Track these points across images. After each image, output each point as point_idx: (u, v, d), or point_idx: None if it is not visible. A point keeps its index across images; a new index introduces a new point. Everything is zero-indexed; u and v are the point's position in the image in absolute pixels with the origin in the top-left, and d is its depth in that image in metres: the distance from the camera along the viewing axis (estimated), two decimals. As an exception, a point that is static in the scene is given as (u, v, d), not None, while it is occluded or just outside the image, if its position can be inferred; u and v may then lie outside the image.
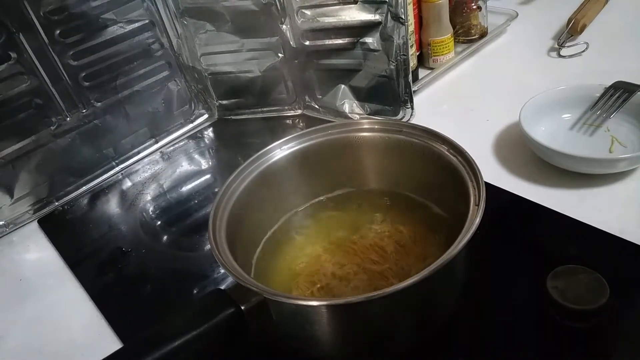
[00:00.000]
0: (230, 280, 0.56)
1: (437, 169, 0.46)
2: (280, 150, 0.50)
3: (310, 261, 0.48)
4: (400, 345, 0.42)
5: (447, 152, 0.45)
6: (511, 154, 0.63)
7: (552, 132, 0.62)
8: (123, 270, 0.60)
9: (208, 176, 0.77)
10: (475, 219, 0.38)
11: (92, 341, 0.52)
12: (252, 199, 0.48)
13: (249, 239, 0.48)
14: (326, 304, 0.37)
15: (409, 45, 0.65)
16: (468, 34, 0.90)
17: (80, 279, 0.60)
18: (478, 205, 0.39)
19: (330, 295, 0.45)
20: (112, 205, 0.73)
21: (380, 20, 0.65)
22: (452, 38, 0.84)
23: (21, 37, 0.63)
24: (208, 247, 0.61)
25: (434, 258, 0.43)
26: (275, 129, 0.82)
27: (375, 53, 0.67)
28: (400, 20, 0.63)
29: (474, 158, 0.43)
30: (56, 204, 0.72)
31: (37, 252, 0.66)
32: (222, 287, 0.54)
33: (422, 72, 0.83)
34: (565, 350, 0.41)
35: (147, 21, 0.74)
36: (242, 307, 0.37)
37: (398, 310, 0.38)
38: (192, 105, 0.85)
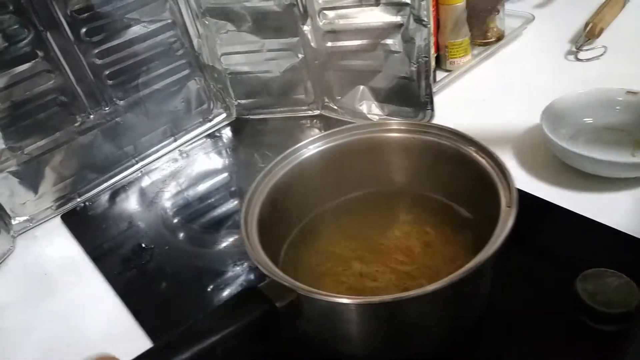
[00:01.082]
0: (249, 277, 0.56)
1: (465, 171, 0.46)
2: (308, 149, 0.51)
3: (337, 260, 0.49)
4: (430, 345, 0.43)
5: (475, 154, 0.46)
6: (532, 157, 0.64)
7: (573, 135, 0.63)
8: (146, 266, 0.61)
9: (226, 174, 0.78)
10: (508, 221, 0.38)
11: (119, 334, 0.53)
12: (280, 197, 0.49)
13: (275, 237, 0.49)
14: (362, 303, 0.38)
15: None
16: (484, 36, 0.90)
17: (104, 273, 0.60)
18: (510, 207, 0.39)
19: (358, 295, 0.45)
20: (133, 202, 0.73)
21: (402, 22, 0.65)
22: (469, 41, 0.85)
23: (48, 35, 0.64)
24: (226, 244, 0.62)
25: (462, 259, 0.44)
26: (292, 129, 0.83)
27: (396, 55, 0.68)
28: (423, 22, 0.63)
29: (498, 160, 0.44)
30: (78, 200, 0.73)
31: (60, 247, 0.67)
32: (244, 284, 0.56)
33: (439, 75, 0.83)
34: (596, 353, 0.42)
35: (169, 21, 0.75)
36: (277, 305, 0.38)
37: (432, 310, 0.39)
38: (211, 104, 0.85)
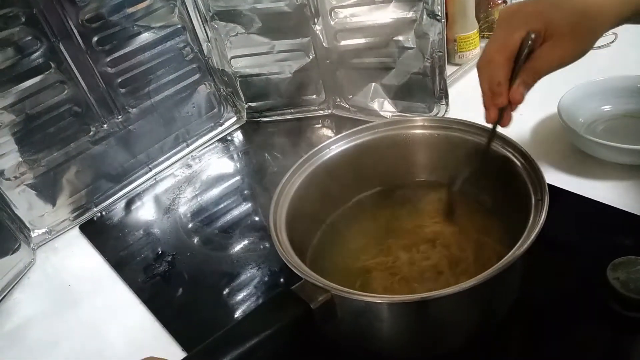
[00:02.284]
0: (275, 278, 0.57)
1: (492, 165, 0.46)
2: (331, 149, 0.51)
3: (366, 256, 0.49)
4: (464, 340, 0.43)
5: (501, 149, 0.46)
6: (550, 148, 0.64)
7: (591, 124, 0.63)
8: (169, 273, 0.61)
9: (238, 178, 0.77)
10: (541, 213, 0.38)
11: (148, 342, 0.53)
12: (306, 197, 0.49)
13: (303, 236, 0.49)
14: (395, 301, 0.37)
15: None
16: (492, 28, 0.90)
17: (127, 282, 0.60)
18: (542, 199, 0.39)
19: (390, 290, 0.45)
20: (150, 210, 0.73)
21: (415, 17, 0.65)
22: (478, 34, 0.85)
23: (61, 45, 0.64)
24: (246, 246, 0.62)
25: (491, 252, 0.44)
26: (304, 129, 0.83)
27: (410, 51, 0.68)
28: (437, 17, 0.63)
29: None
30: (95, 209, 0.73)
31: (81, 257, 0.67)
32: (267, 284, 0.56)
33: (449, 69, 0.83)
34: (630, 340, 0.42)
35: (178, 26, 0.75)
36: (311, 306, 0.38)
37: (466, 305, 0.39)
38: (221, 108, 0.85)
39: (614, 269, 0.43)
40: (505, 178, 0.45)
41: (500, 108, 0.44)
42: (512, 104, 0.43)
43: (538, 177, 0.41)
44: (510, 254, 0.36)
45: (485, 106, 0.45)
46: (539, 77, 0.42)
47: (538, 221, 0.37)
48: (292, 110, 0.84)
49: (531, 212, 0.39)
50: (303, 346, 0.46)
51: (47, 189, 0.68)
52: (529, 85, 0.43)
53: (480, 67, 0.44)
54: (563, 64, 0.42)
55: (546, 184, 0.40)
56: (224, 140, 0.85)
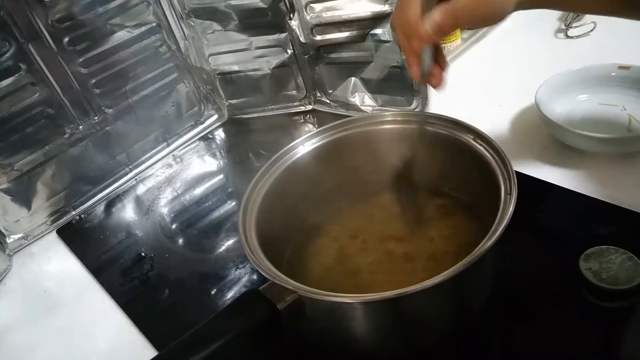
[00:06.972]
0: (252, 279, 0.56)
1: (463, 159, 0.46)
2: (305, 146, 0.50)
3: (343, 253, 0.48)
4: (438, 335, 0.42)
5: (473, 142, 0.45)
6: (528, 138, 0.63)
7: (569, 114, 0.62)
8: (147, 276, 0.60)
9: (221, 176, 0.77)
10: (509, 207, 0.38)
11: (124, 347, 0.52)
12: (279, 197, 0.48)
13: (278, 237, 0.48)
14: (363, 300, 0.36)
15: (420, 35, 0.65)
16: (473, 19, 0.89)
17: (105, 286, 0.60)
18: (510, 194, 0.39)
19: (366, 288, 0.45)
20: (130, 212, 0.72)
21: (390, 10, 0.64)
22: (459, 25, 0.84)
23: (30, 47, 0.63)
24: (226, 247, 0.62)
25: (465, 247, 0.44)
26: (285, 126, 0.82)
27: (387, 44, 0.67)
28: (411, 9, 0.62)
29: (496, 146, 0.43)
30: (73, 213, 0.72)
31: (58, 262, 0.66)
32: (246, 286, 0.55)
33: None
34: (604, 331, 0.41)
35: (154, 24, 0.74)
36: (278, 306, 0.37)
37: (436, 301, 0.38)
38: (202, 106, 0.84)
39: (587, 259, 0.43)
40: (477, 172, 0.44)
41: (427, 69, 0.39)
42: (421, 40, 0.38)
43: (508, 171, 0.41)
44: (475, 250, 0.35)
45: (407, 61, 0.40)
46: (455, 21, 0.37)
47: (504, 217, 0.37)
48: (273, 106, 0.83)
49: (500, 207, 0.39)
50: (279, 347, 0.45)
51: (21, 194, 0.67)
52: (442, 27, 0.37)
53: (394, 13, 0.39)
54: (480, 13, 0.38)
55: (515, 179, 0.40)
56: (205, 138, 0.84)
